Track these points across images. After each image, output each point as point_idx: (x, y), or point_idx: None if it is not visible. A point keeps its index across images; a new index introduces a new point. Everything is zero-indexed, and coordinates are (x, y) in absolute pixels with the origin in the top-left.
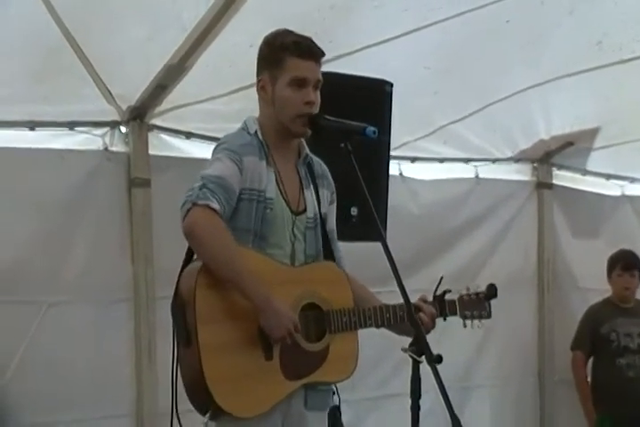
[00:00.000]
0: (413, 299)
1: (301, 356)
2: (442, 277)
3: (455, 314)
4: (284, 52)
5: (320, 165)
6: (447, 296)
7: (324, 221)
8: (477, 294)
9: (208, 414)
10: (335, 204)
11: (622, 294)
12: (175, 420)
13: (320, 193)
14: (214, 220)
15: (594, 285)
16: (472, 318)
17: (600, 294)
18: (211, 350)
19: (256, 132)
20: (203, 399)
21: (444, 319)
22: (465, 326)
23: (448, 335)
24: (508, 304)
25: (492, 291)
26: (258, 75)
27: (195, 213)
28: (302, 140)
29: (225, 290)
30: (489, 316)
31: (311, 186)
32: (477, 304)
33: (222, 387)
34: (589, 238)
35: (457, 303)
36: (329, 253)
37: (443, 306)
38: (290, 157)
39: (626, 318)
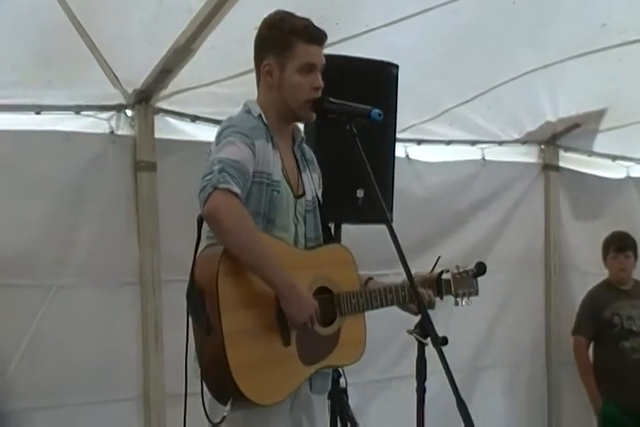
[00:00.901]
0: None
1: (316, 340)
2: (439, 258)
3: (450, 293)
4: (293, 37)
5: (309, 151)
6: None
7: (320, 203)
8: (467, 271)
9: (230, 402)
10: (322, 188)
11: (618, 275)
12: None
13: (313, 177)
14: (237, 204)
15: (593, 268)
16: (463, 296)
17: (597, 278)
18: (234, 339)
19: (260, 115)
20: (226, 387)
21: (441, 298)
22: (456, 304)
23: (458, 317)
24: (518, 286)
25: (481, 268)
26: (261, 59)
27: (217, 197)
28: (297, 124)
29: (244, 276)
30: (476, 293)
31: (307, 169)
32: (468, 282)
33: (246, 376)
34: (591, 221)
35: (451, 282)
36: (328, 235)
37: (440, 286)
38: (287, 141)
39: (626, 300)
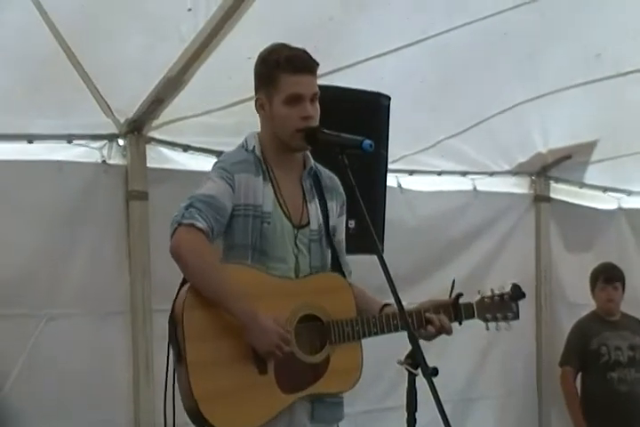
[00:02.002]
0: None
1: (299, 368)
2: (454, 281)
3: (472, 317)
4: (277, 69)
5: (330, 178)
6: (466, 300)
7: (330, 233)
8: (502, 295)
9: None
10: (344, 216)
11: (606, 306)
12: None
13: (329, 206)
14: (197, 240)
15: (582, 300)
16: (495, 320)
17: (587, 309)
18: (199, 369)
19: (254, 148)
20: (197, 417)
21: (460, 324)
22: (488, 328)
23: (450, 348)
24: None
25: (516, 291)
26: (255, 92)
27: (179, 233)
28: (308, 153)
29: (214, 308)
30: (516, 317)
31: (316, 199)
32: (501, 306)
33: (212, 404)
34: (582, 253)
35: (475, 307)
36: (337, 266)
37: (457, 310)
38: (293, 171)
39: (613, 331)
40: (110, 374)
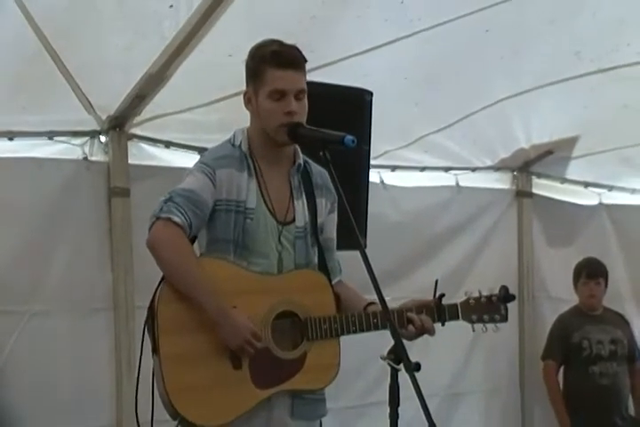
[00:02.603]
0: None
1: (274, 364)
2: (437, 281)
3: (457, 318)
4: (263, 64)
5: (321, 175)
6: (451, 301)
7: (317, 231)
8: (489, 296)
9: (177, 421)
10: (335, 213)
11: (589, 302)
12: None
13: (318, 203)
14: (173, 234)
15: (565, 295)
16: (482, 321)
17: (568, 304)
18: (172, 361)
19: (241, 143)
20: (168, 408)
21: (442, 324)
22: (474, 330)
23: (435, 344)
24: None
25: (504, 293)
26: (245, 87)
27: (156, 227)
28: (298, 149)
29: (189, 302)
30: (504, 319)
31: (303, 196)
32: (488, 307)
33: (184, 396)
34: (563, 248)
35: (459, 308)
36: (323, 264)
37: (440, 311)
38: (282, 166)
39: (594, 325)
40: (93, 370)
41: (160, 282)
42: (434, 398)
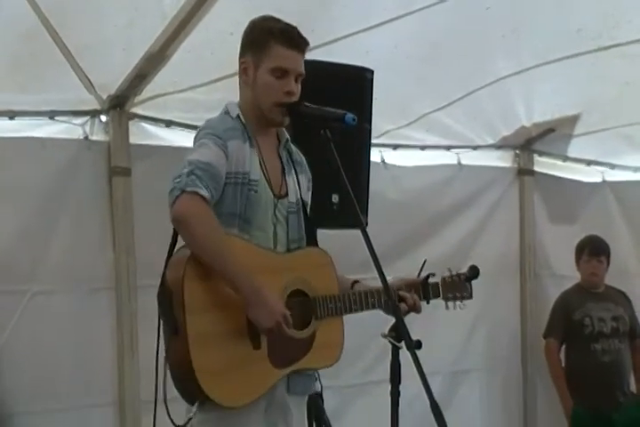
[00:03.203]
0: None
1: (289, 343)
2: (425, 261)
3: (438, 297)
4: (270, 38)
5: (298, 153)
6: (430, 279)
7: (306, 207)
8: (459, 275)
9: (196, 404)
10: (311, 191)
11: (590, 279)
12: (162, 408)
13: (300, 179)
14: (204, 208)
15: (569, 272)
16: (454, 299)
17: (573, 281)
18: (199, 341)
19: (238, 115)
20: (191, 390)
21: (427, 302)
22: (447, 307)
23: (437, 321)
24: (494, 290)
25: (473, 272)
26: (241, 56)
27: (184, 200)
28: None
29: (213, 280)
30: (470, 296)
31: (293, 171)
32: (459, 286)
33: (210, 377)
34: (567, 225)
35: (440, 286)
36: (312, 239)
37: (426, 290)
38: (271, 142)
39: (596, 302)
40: (94, 349)
41: (167, 260)
42: (435, 375)
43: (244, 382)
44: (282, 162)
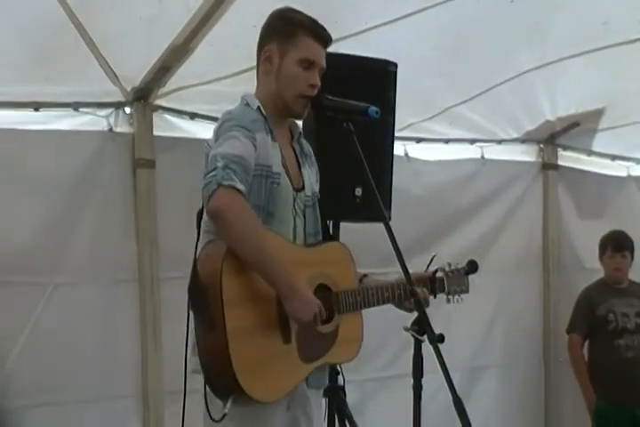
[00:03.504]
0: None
1: (316, 338)
2: (434, 256)
3: (443, 291)
4: (299, 29)
5: (307, 146)
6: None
7: (318, 199)
8: (458, 269)
9: (230, 399)
10: (319, 183)
11: (614, 275)
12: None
13: (311, 171)
14: (242, 203)
15: (599, 265)
16: (455, 293)
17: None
18: (236, 335)
19: (259, 107)
20: (227, 385)
21: (434, 297)
22: (448, 301)
23: (457, 316)
24: (515, 285)
25: (472, 266)
26: (263, 45)
27: (221, 194)
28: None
29: (248, 274)
30: (467, 291)
31: (306, 164)
32: (459, 280)
33: (247, 372)
34: (595, 219)
35: (445, 281)
36: (325, 233)
37: (434, 284)
38: (286, 135)
39: (620, 298)
40: (118, 341)
41: (196, 253)
42: (455, 372)
43: (277, 376)
44: (296, 155)
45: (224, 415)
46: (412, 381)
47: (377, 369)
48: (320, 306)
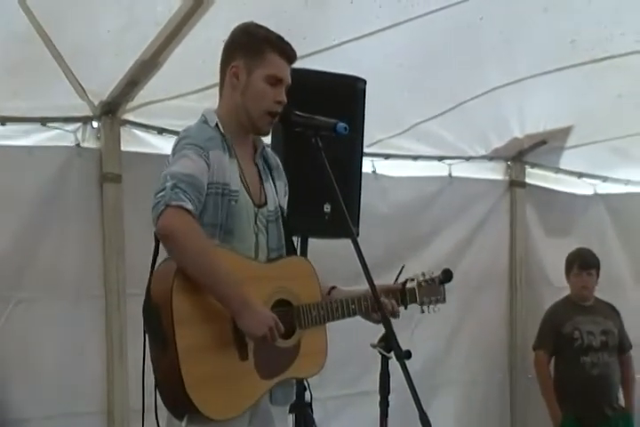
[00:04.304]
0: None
1: (275, 353)
2: (403, 267)
3: (415, 302)
4: (268, 45)
5: (274, 157)
6: (408, 285)
7: (284, 213)
8: (433, 278)
9: (185, 419)
10: (287, 196)
11: (581, 293)
12: (149, 417)
13: (277, 185)
14: (190, 222)
15: (565, 283)
16: (429, 303)
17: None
18: (188, 355)
19: (217, 124)
20: (181, 403)
21: (405, 308)
22: (422, 311)
23: (416, 333)
24: (478, 302)
25: (447, 275)
26: (229, 60)
27: (169, 214)
28: None
29: (199, 292)
30: (443, 300)
31: (270, 179)
32: (434, 290)
33: (200, 391)
34: (562, 237)
35: (416, 291)
36: (290, 246)
37: (404, 295)
38: (247, 149)
39: (586, 316)
40: (83, 356)
41: (151, 271)
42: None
43: (233, 394)
44: (259, 170)
45: None
46: (375, 398)
47: (341, 386)
48: (275, 319)
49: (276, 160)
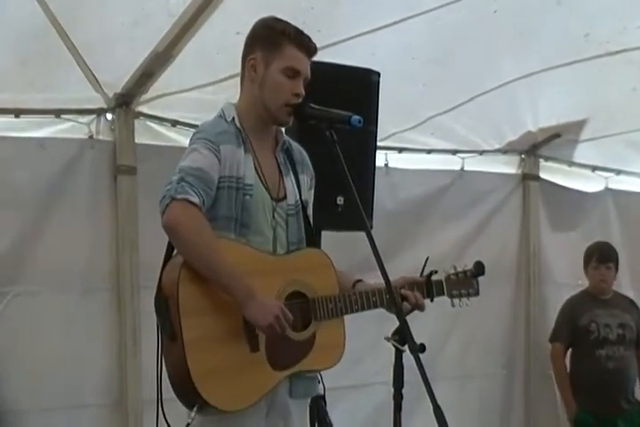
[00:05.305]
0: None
1: (288, 345)
2: (427, 258)
3: (442, 294)
4: (285, 38)
5: (300, 152)
6: (434, 277)
7: (305, 207)
8: (465, 272)
9: (195, 409)
10: (313, 190)
11: (599, 286)
12: (161, 411)
13: (300, 179)
14: (194, 215)
15: (569, 280)
16: (460, 296)
17: (572, 289)
18: (195, 345)
19: (233, 119)
20: (189, 394)
21: (432, 300)
22: (453, 305)
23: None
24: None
25: (479, 268)
26: (248, 53)
27: (174, 208)
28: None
29: (208, 283)
30: (477, 293)
31: (291, 173)
32: (465, 283)
33: (208, 382)
34: (568, 232)
35: (444, 284)
36: (312, 240)
37: (430, 288)
38: (268, 144)
39: (603, 309)
40: (95, 350)
41: (164, 262)
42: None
43: (243, 385)
44: (278, 164)
45: (187, 425)
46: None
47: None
48: (282, 308)
49: (301, 154)
